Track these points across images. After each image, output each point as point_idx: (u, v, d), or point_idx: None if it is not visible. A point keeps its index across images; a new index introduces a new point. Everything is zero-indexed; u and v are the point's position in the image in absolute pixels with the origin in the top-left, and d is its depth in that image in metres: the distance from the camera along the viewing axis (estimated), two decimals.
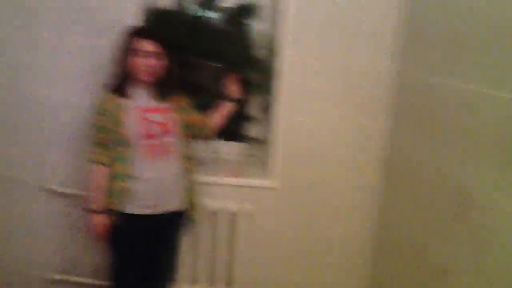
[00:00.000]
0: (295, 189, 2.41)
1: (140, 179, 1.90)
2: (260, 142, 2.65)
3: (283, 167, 2.36)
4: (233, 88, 2.21)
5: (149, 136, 1.88)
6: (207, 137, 2.29)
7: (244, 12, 2.47)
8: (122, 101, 1.87)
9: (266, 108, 2.60)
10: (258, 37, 2.41)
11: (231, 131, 2.72)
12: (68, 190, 2.30)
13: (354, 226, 2.50)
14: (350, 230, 2.50)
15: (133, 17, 2.14)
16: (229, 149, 2.73)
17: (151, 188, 1.92)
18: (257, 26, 2.49)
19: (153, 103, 1.94)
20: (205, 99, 2.44)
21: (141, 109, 1.89)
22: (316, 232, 2.47)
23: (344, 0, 2.20)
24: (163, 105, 1.96)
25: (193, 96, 2.32)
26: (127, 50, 1.85)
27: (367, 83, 2.31)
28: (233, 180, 2.40)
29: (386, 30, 2.22)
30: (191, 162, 2.09)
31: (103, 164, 1.88)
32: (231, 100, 2.20)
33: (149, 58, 1.84)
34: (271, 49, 2.34)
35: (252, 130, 2.65)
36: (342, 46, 2.26)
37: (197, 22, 2.32)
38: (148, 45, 1.85)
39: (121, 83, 1.89)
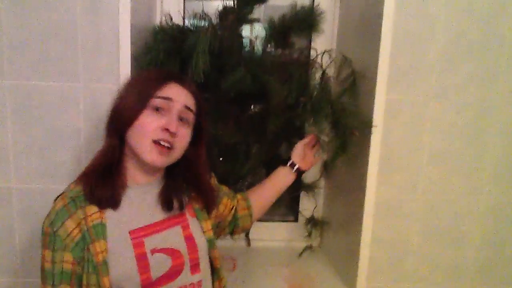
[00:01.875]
0: None
1: None
2: (321, 224, 1.67)
3: (373, 271, 1.46)
4: (304, 154, 1.34)
5: (155, 283, 0.93)
6: (245, 230, 1.35)
7: (297, 26, 1.49)
8: (102, 215, 0.92)
9: (327, 173, 1.65)
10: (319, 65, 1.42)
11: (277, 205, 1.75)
12: None
13: None
14: None
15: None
16: (273, 233, 1.80)
17: None
18: (318, 45, 1.51)
19: (157, 214, 0.99)
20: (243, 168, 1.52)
21: (139, 230, 0.95)
22: None
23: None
24: (175, 211, 1.01)
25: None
26: (135, 104, 0.94)
27: None
28: None
29: None
30: None
31: None
32: (295, 169, 1.32)
33: (173, 117, 0.94)
34: (351, 84, 1.36)
35: (307, 205, 1.75)
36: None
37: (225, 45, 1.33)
38: (178, 92, 0.97)
39: (106, 173, 0.94)
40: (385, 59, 1.28)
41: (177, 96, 0.95)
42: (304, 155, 1.32)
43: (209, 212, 1.08)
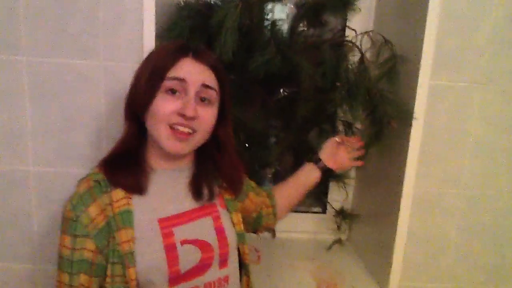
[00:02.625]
0: None
1: None
2: (351, 217, 1.57)
3: (407, 269, 1.35)
4: (336, 153, 1.23)
5: (184, 277, 0.86)
6: (269, 229, 1.29)
7: (331, 4, 1.39)
8: (129, 201, 0.85)
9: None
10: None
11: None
12: None
13: None
14: None
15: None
16: (300, 224, 1.72)
17: None
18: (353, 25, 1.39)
19: (187, 202, 0.92)
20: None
21: (168, 219, 0.88)
22: None
23: None
24: (205, 201, 0.93)
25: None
26: (148, 86, 0.84)
27: None
28: None
29: None
30: None
31: None
32: (319, 165, 1.22)
33: (190, 100, 0.83)
34: (390, 68, 1.25)
35: (336, 196, 1.66)
36: None
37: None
38: (193, 69, 0.85)
39: (128, 159, 0.88)
40: (431, 41, 1.17)
41: (192, 75, 0.84)
42: (334, 153, 1.23)
43: (236, 194, 1.00)
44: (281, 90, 1.48)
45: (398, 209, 1.28)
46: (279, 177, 1.59)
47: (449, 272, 1.37)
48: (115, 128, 1.21)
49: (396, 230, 1.29)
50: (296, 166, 1.54)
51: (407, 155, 1.24)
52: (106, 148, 1.22)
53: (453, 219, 1.33)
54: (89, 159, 1.23)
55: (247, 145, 1.49)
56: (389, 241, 1.32)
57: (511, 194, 1.32)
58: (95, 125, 1.22)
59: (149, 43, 1.16)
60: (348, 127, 1.46)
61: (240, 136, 1.43)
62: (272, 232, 1.68)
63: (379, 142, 1.27)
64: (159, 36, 1.18)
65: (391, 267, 1.32)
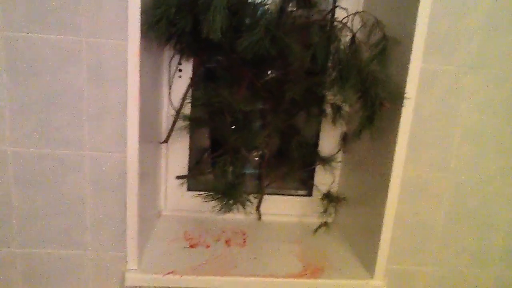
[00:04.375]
0: None
1: None
2: (337, 200, 1.56)
3: (393, 253, 1.37)
4: None
5: None
6: None
7: None
8: None
9: (346, 147, 1.54)
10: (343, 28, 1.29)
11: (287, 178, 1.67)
12: None
13: None
14: None
15: None
16: (285, 207, 1.70)
17: None
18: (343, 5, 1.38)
19: None
20: None
21: None
22: None
23: None
24: None
25: None
26: None
27: None
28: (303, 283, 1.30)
29: None
30: None
31: None
32: None
33: None
34: (381, 50, 1.23)
35: (323, 179, 1.64)
36: None
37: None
38: None
39: None
40: (423, 24, 1.15)
41: None
42: None
43: None
44: (269, 72, 1.45)
45: (386, 193, 1.27)
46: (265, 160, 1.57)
47: (436, 255, 1.38)
48: (97, 109, 1.16)
49: (383, 213, 1.29)
50: (282, 149, 1.53)
51: (396, 138, 1.23)
52: (87, 128, 1.17)
53: (441, 203, 1.33)
54: (69, 140, 1.19)
55: (233, 127, 1.46)
56: (376, 225, 1.32)
57: (499, 179, 1.32)
58: (76, 105, 1.17)
59: (134, 19, 1.11)
60: (337, 110, 1.44)
61: (226, 118, 1.40)
62: (258, 214, 1.67)
63: (372, 126, 1.25)
64: (144, 12, 1.13)
65: (378, 250, 1.32)
